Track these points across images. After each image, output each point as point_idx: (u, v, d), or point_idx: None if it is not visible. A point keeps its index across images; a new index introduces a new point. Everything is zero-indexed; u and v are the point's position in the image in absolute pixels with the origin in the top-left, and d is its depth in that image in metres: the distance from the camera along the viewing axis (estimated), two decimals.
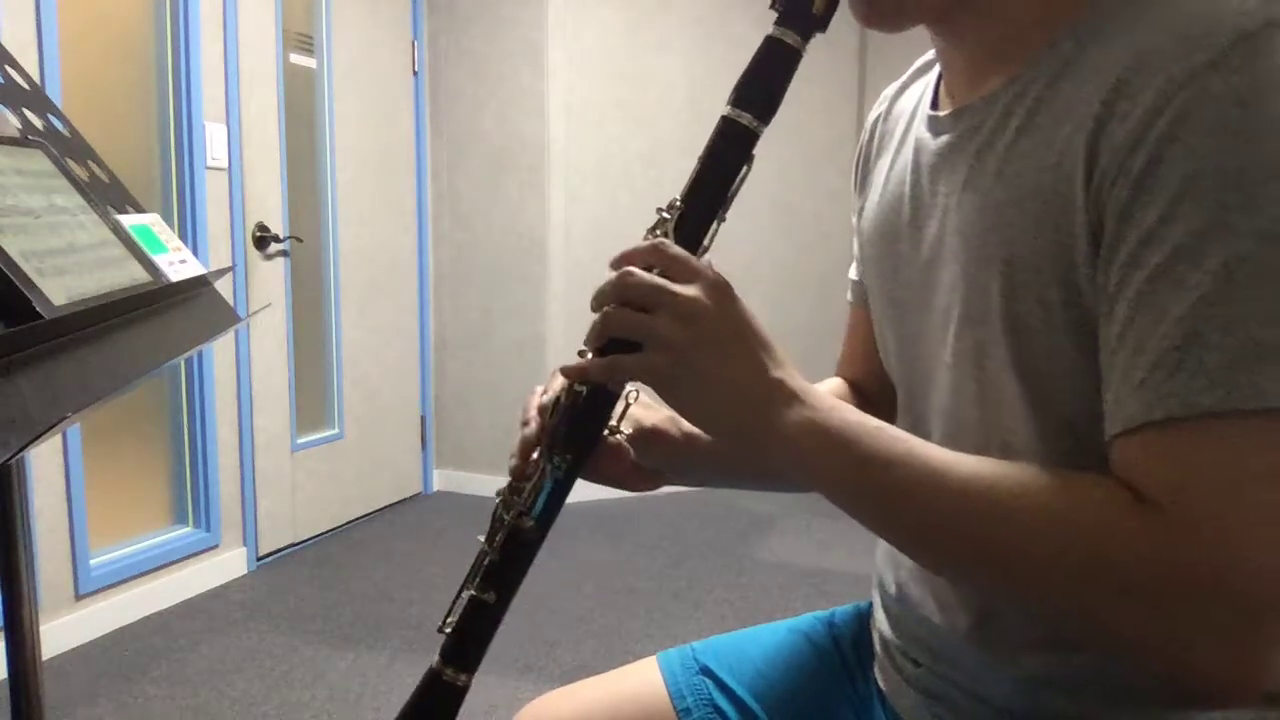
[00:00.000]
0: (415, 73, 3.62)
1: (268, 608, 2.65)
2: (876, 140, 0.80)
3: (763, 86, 0.61)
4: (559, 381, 0.67)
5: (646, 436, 0.75)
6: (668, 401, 0.59)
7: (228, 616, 2.59)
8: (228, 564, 2.85)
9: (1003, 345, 0.59)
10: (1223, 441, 0.48)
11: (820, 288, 4.04)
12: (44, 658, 1.14)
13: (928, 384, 0.69)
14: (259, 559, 2.98)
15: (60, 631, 2.33)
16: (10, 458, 0.72)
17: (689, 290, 0.56)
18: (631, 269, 0.58)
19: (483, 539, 0.66)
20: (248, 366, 2.89)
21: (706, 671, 0.85)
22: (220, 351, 2.79)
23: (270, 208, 2.96)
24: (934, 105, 0.70)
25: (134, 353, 0.89)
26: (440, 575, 2.90)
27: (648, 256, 0.58)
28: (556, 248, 3.60)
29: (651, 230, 0.62)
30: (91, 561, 2.41)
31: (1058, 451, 0.57)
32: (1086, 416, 0.55)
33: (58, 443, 2.29)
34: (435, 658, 0.65)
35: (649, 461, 0.76)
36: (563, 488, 0.65)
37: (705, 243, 0.62)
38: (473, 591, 0.65)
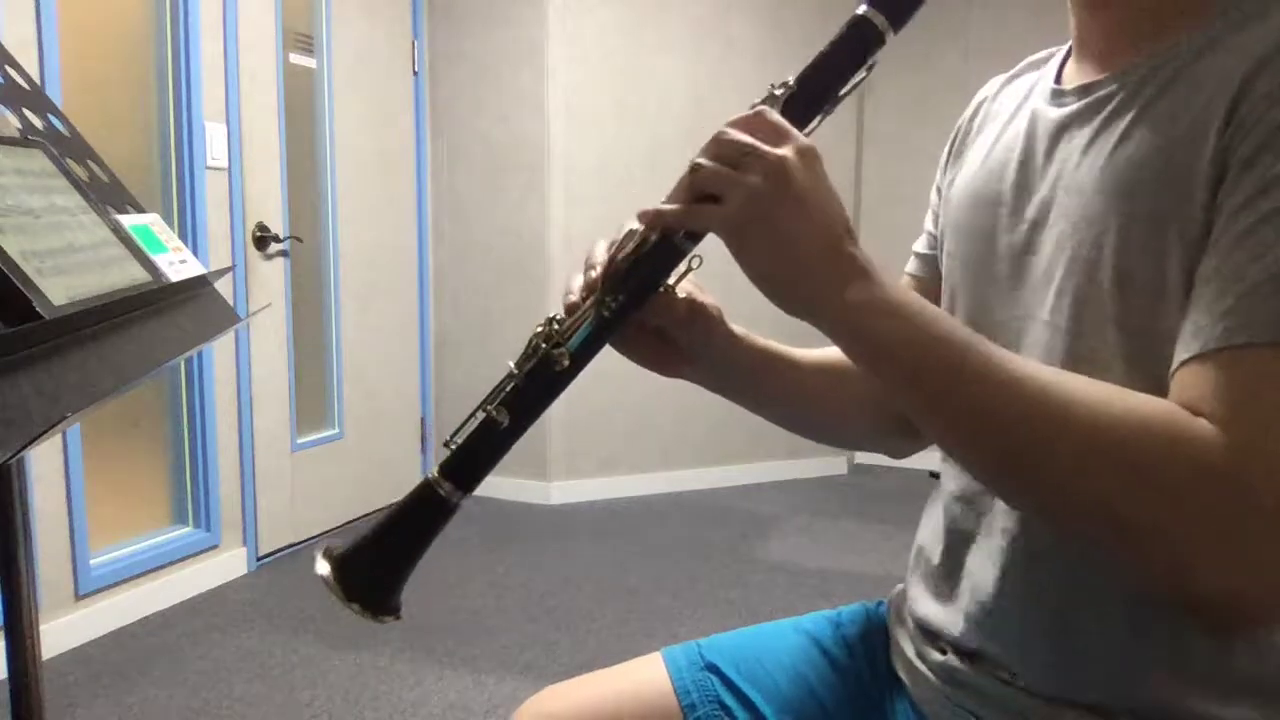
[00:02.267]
0: (415, 73, 3.62)
1: (268, 608, 2.65)
2: (979, 118, 0.82)
3: None
4: (629, 231, 0.66)
5: (693, 310, 0.74)
6: (738, 255, 0.58)
7: (228, 616, 2.59)
8: (228, 564, 2.85)
9: (1108, 300, 0.60)
10: None
11: None
12: (44, 658, 1.14)
13: (1013, 345, 0.69)
14: (259, 559, 2.98)
15: (60, 631, 2.33)
16: (10, 458, 0.72)
17: (779, 150, 0.57)
18: (728, 129, 0.58)
19: (513, 364, 0.64)
20: (248, 366, 2.89)
21: (712, 668, 0.85)
22: (220, 351, 2.79)
23: (270, 208, 2.96)
24: (1057, 81, 0.72)
25: (134, 353, 0.89)
26: (440, 575, 2.90)
27: (749, 122, 0.59)
28: (556, 248, 3.60)
29: (757, 103, 0.61)
30: (91, 561, 2.41)
31: None
32: None
33: (58, 443, 2.29)
34: (433, 469, 0.64)
35: (685, 335, 0.74)
36: (606, 328, 0.64)
37: (806, 131, 0.61)
38: (489, 410, 0.63)
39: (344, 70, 3.26)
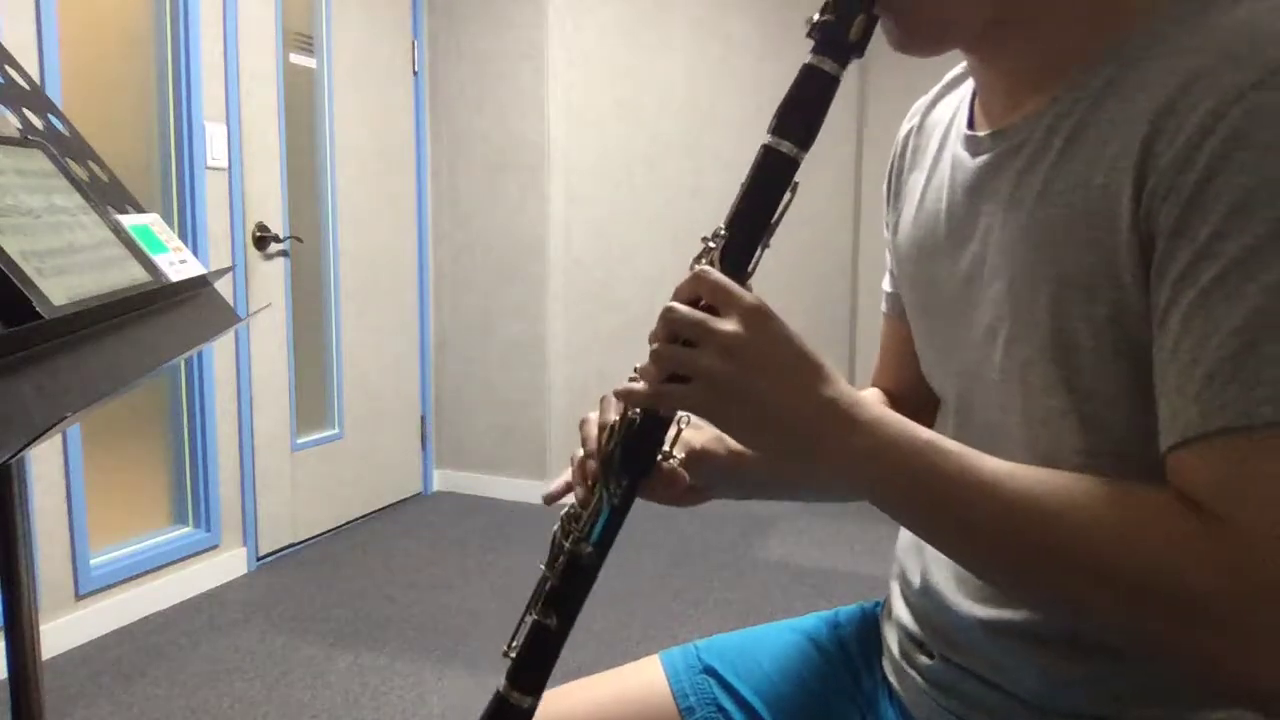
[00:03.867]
0: (415, 73, 3.62)
1: (268, 608, 2.65)
2: (909, 154, 0.80)
3: (802, 114, 0.61)
4: (611, 409, 0.69)
5: (696, 456, 0.77)
6: (719, 429, 0.60)
7: (228, 616, 2.59)
8: (228, 564, 2.85)
9: (1051, 363, 0.59)
10: None
11: (818, 289, 4.04)
12: (44, 658, 1.14)
13: (971, 399, 0.69)
14: (259, 559, 2.98)
15: (60, 631, 2.33)
16: (10, 458, 0.72)
17: (726, 324, 0.57)
18: (673, 305, 0.59)
19: (543, 565, 0.68)
20: (248, 366, 2.89)
21: (710, 671, 0.85)
22: (220, 351, 2.79)
23: (270, 208, 2.96)
24: (970, 123, 0.70)
25: (134, 353, 0.89)
26: (440, 575, 2.90)
27: (691, 287, 0.59)
28: (556, 248, 3.60)
29: (697, 259, 0.62)
30: (91, 561, 2.41)
31: (1105, 471, 0.57)
32: (1136, 436, 0.54)
33: (58, 443, 2.29)
34: (502, 681, 0.67)
35: (699, 480, 0.77)
36: (620, 513, 0.67)
37: (750, 269, 0.62)
38: (535, 616, 0.67)
39: (344, 70, 3.26)
